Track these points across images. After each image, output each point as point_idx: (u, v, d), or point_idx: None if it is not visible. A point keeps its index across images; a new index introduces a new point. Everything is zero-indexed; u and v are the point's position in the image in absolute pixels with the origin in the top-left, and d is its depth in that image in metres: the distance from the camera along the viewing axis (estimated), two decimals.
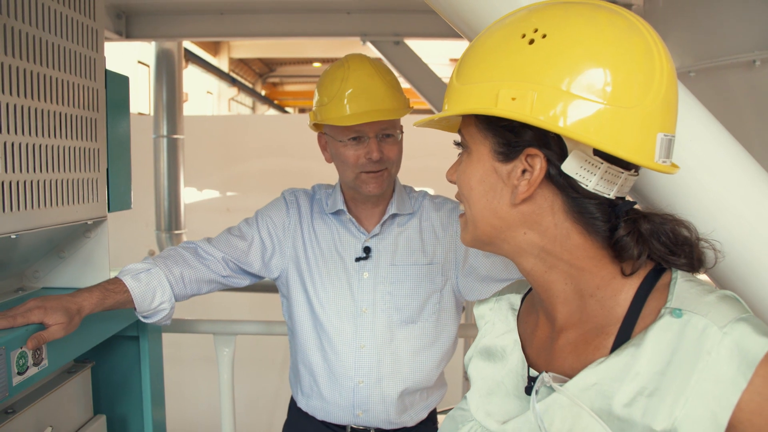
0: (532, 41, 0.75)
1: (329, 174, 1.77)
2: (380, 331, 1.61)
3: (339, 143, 1.58)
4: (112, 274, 1.49)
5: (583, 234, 0.81)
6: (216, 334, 2.27)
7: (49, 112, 1.41)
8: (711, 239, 0.83)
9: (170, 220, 4.38)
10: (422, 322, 1.62)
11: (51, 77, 1.42)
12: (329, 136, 1.62)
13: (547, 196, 0.80)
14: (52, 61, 1.43)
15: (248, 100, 16.14)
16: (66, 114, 1.48)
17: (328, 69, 1.62)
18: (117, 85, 1.73)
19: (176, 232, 4.39)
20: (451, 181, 0.91)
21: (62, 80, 1.46)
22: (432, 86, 4.02)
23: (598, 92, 0.72)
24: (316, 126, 1.66)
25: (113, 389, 1.85)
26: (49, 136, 1.42)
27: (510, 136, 0.80)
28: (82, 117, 1.55)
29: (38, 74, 1.37)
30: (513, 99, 0.75)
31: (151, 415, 1.85)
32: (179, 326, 2.24)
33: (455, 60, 10.49)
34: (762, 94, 1.96)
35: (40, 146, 1.39)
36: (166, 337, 2.00)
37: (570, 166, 0.77)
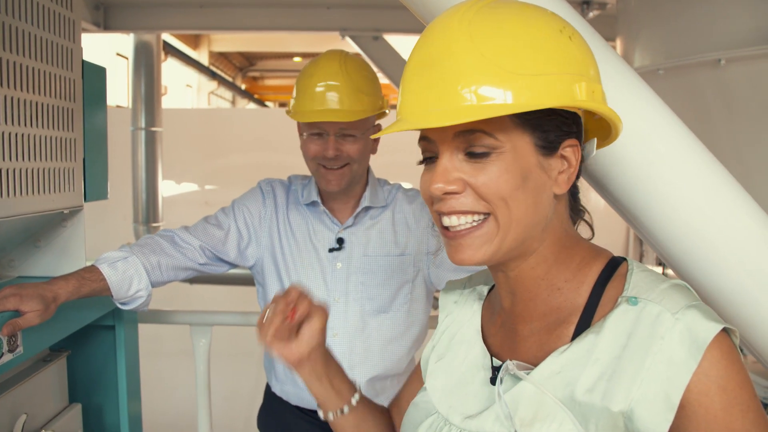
0: (570, 37, 0.79)
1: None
2: (352, 320, 1.64)
3: (302, 136, 1.62)
4: (88, 264, 1.50)
5: (568, 221, 0.86)
6: (192, 325, 2.27)
7: (25, 101, 1.42)
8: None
9: (148, 212, 4.37)
10: (394, 312, 1.66)
11: (27, 66, 1.42)
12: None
13: None
14: (29, 51, 1.43)
15: (228, 93, 16.03)
16: (42, 103, 1.49)
17: (307, 63, 1.66)
18: (94, 76, 1.73)
19: (154, 224, 4.38)
20: (452, 193, 0.80)
21: (38, 70, 1.47)
22: None
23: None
24: None
25: (89, 378, 1.85)
26: (25, 125, 1.42)
27: (555, 130, 0.79)
28: (58, 107, 1.56)
29: (14, 63, 1.37)
30: (593, 92, 0.77)
31: (127, 405, 1.85)
32: (156, 317, 2.25)
33: None
34: (727, 91, 2.02)
35: (16, 135, 1.39)
36: (144, 331, 2.00)
37: (591, 152, 0.85)
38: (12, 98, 1.37)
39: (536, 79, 0.74)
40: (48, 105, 1.51)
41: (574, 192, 0.89)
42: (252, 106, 16.38)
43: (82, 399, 1.81)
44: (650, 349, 0.73)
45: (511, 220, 0.79)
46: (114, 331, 1.83)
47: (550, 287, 0.86)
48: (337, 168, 1.59)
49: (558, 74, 0.75)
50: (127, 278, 1.48)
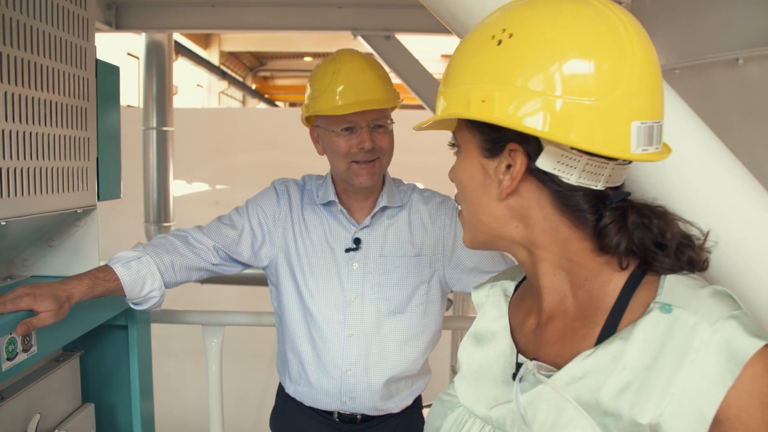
0: (500, 42, 0.77)
1: (319, 168, 1.78)
2: (368, 320, 1.63)
3: (332, 134, 1.60)
4: (101, 264, 1.50)
5: (571, 227, 0.81)
6: (204, 325, 2.28)
7: (39, 100, 1.42)
8: (709, 243, 0.82)
9: (159, 212, 4.38)
10: (410, 313, 1.65)
11: (41, 65, 1.42)
12: (321, 128, 1.64)
13: (533, 190, 0.81)
14: (43, 50, 1.43)
15: (238, 93, 16.09)
16: (56, 102, 1.49)
17: (319, 63, 1.65)
18: (107, 75, 1.73)
19: (165, 224, 4.39)
20: (452, 180, 0.92)
21: (53, 69, 1.47)
22: (422, 82, 4.03)
23: (561, 87, 0.73)
24: (308, 120, 1.69)
25: (102, 378, 1.85)
26: (39, 124, 1.42)
27: (493, 133, 0.81)
28: (72, 106, 1.55)
29: (29, 62, 1.37)
30: (483, 101, 0.77)
31: (140, 405, 1.85)
32: (168, 317, 2.24)
33: (446, 56, 10.51)
34: (745, 91, 1.99)
35: (30, 134, 1.39)
36: (156, 331, 2.00)
37: (545, 163, 0.78)
38: (26, 97, 1.37)
39: (447, 92, 0.83)
40: (62, 104, 1.51)
41: (605, 195, 0.79)
42: (262, 105, 16.42)
43: (94, 399, 1.81)
44: (684, 362, 0.70)
45: (468, 213, 0.89)
46: (127, 331, 1.83)
47: (570, 284, 0.85)
48: (369, 162, 1.59)
49: (463, 86, 0.80)
50: (141, 278, 1.47)
